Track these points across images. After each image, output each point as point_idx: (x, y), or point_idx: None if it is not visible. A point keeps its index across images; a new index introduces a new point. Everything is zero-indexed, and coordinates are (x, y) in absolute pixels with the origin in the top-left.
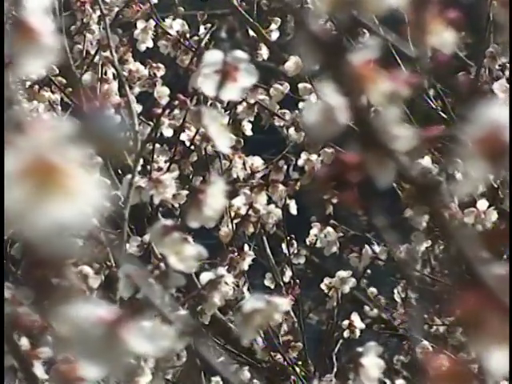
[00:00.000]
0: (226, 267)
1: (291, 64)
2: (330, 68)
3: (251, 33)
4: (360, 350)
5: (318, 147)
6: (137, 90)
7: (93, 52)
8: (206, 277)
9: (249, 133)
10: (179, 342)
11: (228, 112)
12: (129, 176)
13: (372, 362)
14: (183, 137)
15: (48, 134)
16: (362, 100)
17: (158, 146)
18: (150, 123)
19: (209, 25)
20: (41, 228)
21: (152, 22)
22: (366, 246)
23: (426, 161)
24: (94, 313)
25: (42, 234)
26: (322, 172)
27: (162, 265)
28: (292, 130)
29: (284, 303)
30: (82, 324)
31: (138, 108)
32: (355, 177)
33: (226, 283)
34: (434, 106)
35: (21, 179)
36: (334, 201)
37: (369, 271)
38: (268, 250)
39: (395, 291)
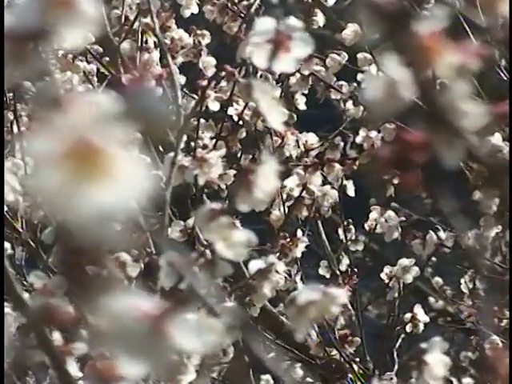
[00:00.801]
0: (277, 255)
1: (349, 32)
2: (393, 38)
3: None
4: (424, 345)
5: (379, 123)
6: (180, 59)
7: (132, 18)
8: (255, 265)
9: (302, 107)
10: (226, 336)
11: (280, 84)
12: (171, 154)
13: (437, 359)
14: (231, 111)
15: (87, 112)
16: (427, 73)
17: (203, 121)
18: (195, 96)
19: None
20: (80, 213)
21: None
22: (431, 231)
23: (497, 138)
24: (135, 305)
25: (82, 220)
26: (383, 151)
27: (207, 252)
28: (350, 104)
29: (341, 295)
30: (122, 318)
31: (181, 80)
32: (420, 157)
33: (277, 272)
34: (505, 79)
35: (59, 162)
36: (396, 182)
37: (433, 259)
38: (323, 235)
39: (462, 281)
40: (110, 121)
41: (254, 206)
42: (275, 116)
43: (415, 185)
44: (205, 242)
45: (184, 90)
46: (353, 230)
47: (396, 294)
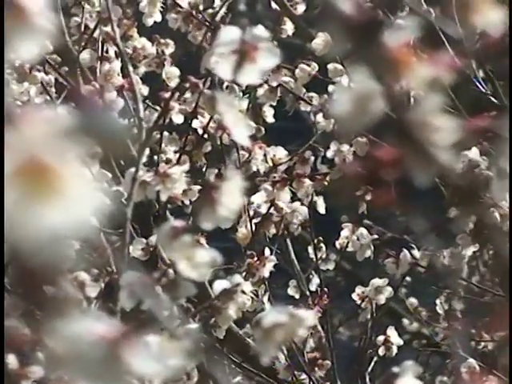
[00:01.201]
0: (244, 274)
1: (320, 41)
2: (363, 49)
3: (274, 5)
4: (397, 370)
5: (350, 137)
6: (142, 70)
7: (92, 26)
8: (220, 285)
9: (271, 119)
10: (190, 360)
11: (247, 96)
12: (132, 169)
13: None
14: (195, 124)
15: (41, 128)
16: (399, 86)
17: (166, 134)
18: (158, 108)
19: None
20: (32, 233)
21: None
22: (405, 250)
23: (474, 152)
24: (93, 328)
25: (34, 240)
26: (355, 166)
27: (170, 271)
28: (320, 117)
29: (310, 316)
30: (79, 341)
31: (143, 91)
32: (392, 173)
33: (244, 292)
34: (483, 91)
35: (13, 180)
36: (368, 198)
37: (408, 279)
38: (292, 254)
39: (438, 302)
40: (66, 136)
41: (219, 224)
42: (241, 130)
43: (388, 201)
44: (168, 261)
45: (146, 101)
46: (323, 249)
47: (368, 316)
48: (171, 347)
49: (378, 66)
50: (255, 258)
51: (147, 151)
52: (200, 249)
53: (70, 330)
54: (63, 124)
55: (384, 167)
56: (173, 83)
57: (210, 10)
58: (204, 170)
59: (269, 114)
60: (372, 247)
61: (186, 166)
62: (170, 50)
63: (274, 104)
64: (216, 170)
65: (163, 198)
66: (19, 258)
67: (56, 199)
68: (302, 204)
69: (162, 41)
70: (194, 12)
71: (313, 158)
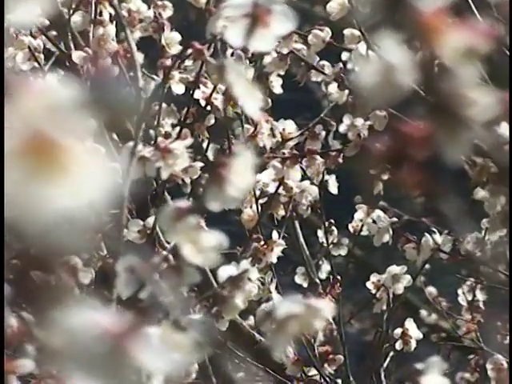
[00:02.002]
0: (250, 260)
1: (335, 5)
2: (389, 13)
3: None
4: (419, 366)
5: (368, 110)
6: (138, 34)
7: None
8: (226, 272)
9: (279, 90)
10: (192, 354)
11: (253, 64)
12: (130, 144)
13: (435, 382)
14: (197, 95)
15: (43, 100)
16: (430, 56)
17: (165, 106)
18: (156, 77)
19: None
20: (36, 216)
21: None
22: (426, 234)
23: (504, 128)
24: (94, 320)
25: (37, 224)
26: (375, 143)
27: (170, 256)
28: (333, 88)
29: (327, 307)
30: (78, 334)
31: (140, 58)
32: (419, 151)
33: (250, 280)
34: None
35: (14, 158)
36: (385, 178)
37: (428, 267)
38: (301, 238)
39: (460, 292)
40: (64, 109)
41: (227, 205)
42: (252, 102)
43: (413, 183)
44: (167, 245)
45: (144, 70)
46: (335, 233)
47: (384, 307)
48: (173, 340)
49: (406, 32)
50: (262, 243)
51: (145, 125)
52: (205, 232)
53: (67, 322)
54: (66, 95)
55: (409, 144)
56: (173, 50)
57: None
58: (206, 145)
59: (277, 85)
60: (389, 231)
61: (188, 141)
62: (168, 12)
63: (283, 73)
64: (219, 146)
65: (164, 175)
66: (19, 243)
67: (62, 178)
68: (313, 183)
69: (160, 3)
70: None
71: (324, 133)
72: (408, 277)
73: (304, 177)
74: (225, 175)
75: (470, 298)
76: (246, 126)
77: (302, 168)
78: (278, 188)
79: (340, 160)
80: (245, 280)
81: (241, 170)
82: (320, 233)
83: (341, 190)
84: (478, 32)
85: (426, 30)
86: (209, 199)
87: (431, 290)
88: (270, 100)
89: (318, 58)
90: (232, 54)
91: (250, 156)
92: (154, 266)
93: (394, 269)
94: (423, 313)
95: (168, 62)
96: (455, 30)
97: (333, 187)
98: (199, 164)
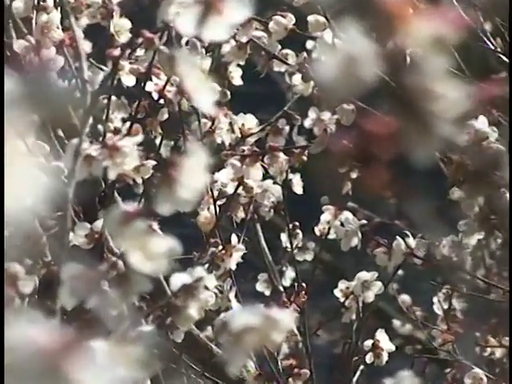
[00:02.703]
0: (207, 266)
1: None
2: (355, 1)
3: None
4: (389, 381)
5: (334, 103)
6: (86, 21)
7: None
8: (179, 280)
9: (238, 82)
10: (143, 369)
11: (210, 53)
12: (75, 140)
13: None
14: (149, 87)
15: None
16: (395, 46)
17: (114, 99)
18: (104, 68)
19: None
20: None
21: None
22: (398, 238)
23: (481, 122)
24: (29, 335)
25: None
26: (341, 139)
27: (119, 263)
28: (297, 79)
29: (287, 318)
30: (14, 351)
31: (88, 47)
32: (386, 148)
33: (207, 288)
34: (492, 49)
35: None
36: (354, 176)
37: (400, 273)
38: (263, 242)
39: (435, 300)
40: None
41: (178, 207)
42: (205, 95)
43: (381, 182)
44: (116, 251)
45: (91, 60)
46: (300, 236)
47: (354, 316)
48: (122, 354)
49: (371, 20)
50: (220, 247)
51: (91, 120)
52: (155, 237)
53: (5, 337)
54: (6, 88)
55: (377, 141)
56: (122, 38)
57: None
58: (159, 142)
59: (236, 76)
60: (359, 234)
61: (139, 137)
62: None
63: (242, 64)
64: (173, 142)
65: (112, 175)
66: None
67: None
68: (275, 183)
69: None
70: None
71: (288, 128)
72: (379, 284)
73: (266, 176)
74: (175, 176)
75: (446, 307)
76: (202, 120)
77: (263, 166)
78: (237, 188)
79: (305, 157)
80: (199, 288)
81: (193, 169)
82: (284, 236)
83: (306, 189)
84: (448, 20)
85: (391, 18)
86: (159, 201)
87: (404, 297)
88: (228, 92)
89: (279, 47)
90: (187, 43)
91: (204, 154)
92: (102, 273)
93: (364, 275)
94: (396, 323)
95: (117, 52)
96: (423, 18)
97: (297, 187)
98: (151, 162)
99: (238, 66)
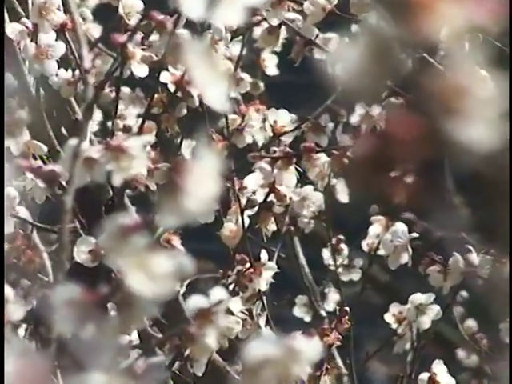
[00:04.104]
0: (232, 286)
1: None
2: None
3: None
4: None
5: (380, 96)
6: (93, 2)
7: None
8: (195, 303)
9: (272, 72)
10: None
11: (240, 37)
12: (73, 141)
13: None
14: (164, 78)
15: None
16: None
17: (128, 91)
18: (113, 55)
19: None
20: None
21: None
22: (456, 254)
23: None
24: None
25: None
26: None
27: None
28: (340, 68)
29: (312, 348)
30: None
31: (95, 31)
32: (412, 154)
33: (232, 313)
34: None
35: None
36: (409, 181)
37: (464, 294)
38: (301, 259)
39: (502, 327)
40: None
41: (185, 220)
42: (217, 91)
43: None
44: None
45: (99, 45)
46: (345, 251)
47: (408, 345)
48: None
49: (395, 8)
50: (248, 265)
51: (99, 115)
52: (159, 254)
53: None
54: None
55: (401, 145)
56: (133, 21)
57: None
58: (179, 141)
59: (270, 64)
60: (410, 250)
61: (150, 137)
62: None
63: (278, 50)
64: (194, 143)
65: (116, 180)
66: None
67: None
68: (316, 189)
69: None
70: None
71: (331, 125)
72: (436, 308)
73: (305, 181)
74: (181, 183)
75: None
76: (230, 116)
77: (299, 170)
78: (267, 195)
79: (346, 160)
80: (218, 313)
81: (202, 175)
82: (326, 252)
83: (352, 197)
84: (481, 7)
85: (416, 6)
86: (162, 213)
87: (470, 323)
88: (261, 83)
89: (316, 31)
90: (209, 27)
91: (215, 158)
92: (105, 296)
93: (418, 297)
94: (460, 353)
95: (123, 37)
96: (454, 5)
97: (342, 194)
98: (167, 166)
99: (273, 52)
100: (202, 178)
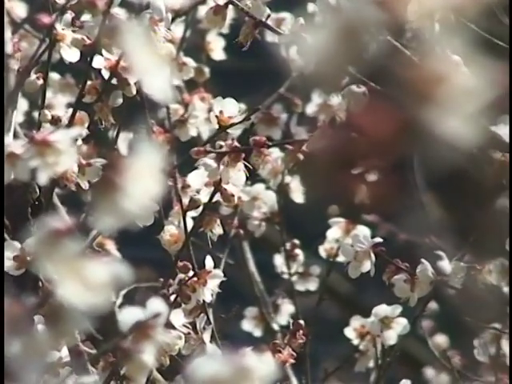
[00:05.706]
0: (173, 297)
1: None
2: None
3: None
4: None
5: (340, 83)
6: None
7: None
8: (129, 316)
9: (219, 56)
10: None
11: (183, 17)
12: None
13: None
14: (97, 63)
15: None
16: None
17: (58, 78)
18: (39, 37)
19: None
20: None
21: None
22: (423, 261)
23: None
24: None
25: None
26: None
27: (56, 293)
28: (296, 52)
29: (265, 366)
30: None
31: (21, 11)
32: (385, 154)
33: (173, 326)
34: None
35: None
36: (372, 179)
37: (433, 306)
38: (251, 266)
39: (476, 343)
40: None
41: (122, 222)
42: (155, 77)
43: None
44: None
45: (24, 26)
46: (301, 258)
47: (371, 363)
48: None
49: None
50: (191, 273)
51: (24, 105)
52: (92, 262)
53: None
54: None
55: (364, 139)
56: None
57: None
58: (115, 134)
59: (216, 48)
60: (373, 257)
61: (82, 129)
62: None
63: (225, 32)
64: (131, 135)
65: (42, 178)
66: None
67: None
68: (268, 188)
69: None
70: None
71: (285, 117)
72: (403, 321)
73: (255, 179)
74: (117, 181)
75: (493, 352)
76: (172, 106)
77: (249, 167)
78: (213, 195)
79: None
80: (155, 327)
81: (141, 173)
82: (279, 258)
83: (308, 196)
84: None
85: None
86: (97, 214)
87: (440, 339)
88: (206, 69)
89: (268, 11)
90: (147, 6)
91: (157, 153)
92: (32, 307)
93: (383, 310)
94: (429, 372)
95: (52, 18)
96: None
97: (296, 194)
98: (100, 162)
99: (220, 35)
100: (141, 175)
